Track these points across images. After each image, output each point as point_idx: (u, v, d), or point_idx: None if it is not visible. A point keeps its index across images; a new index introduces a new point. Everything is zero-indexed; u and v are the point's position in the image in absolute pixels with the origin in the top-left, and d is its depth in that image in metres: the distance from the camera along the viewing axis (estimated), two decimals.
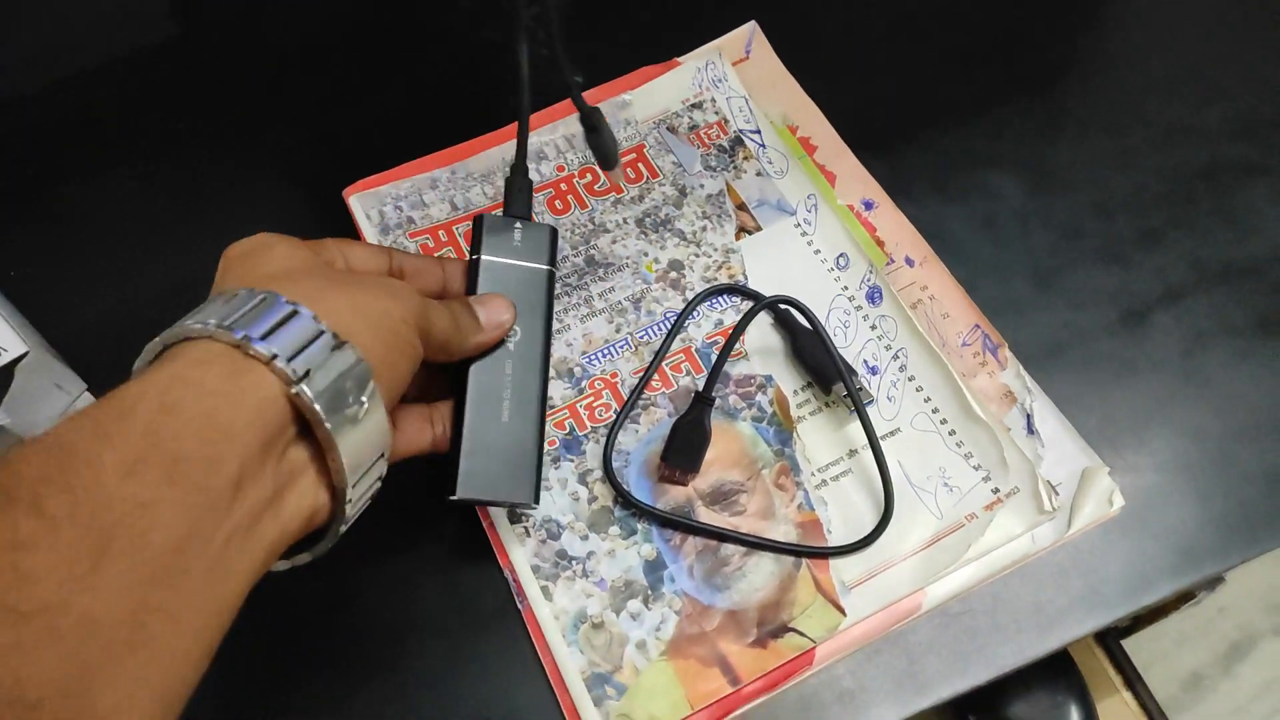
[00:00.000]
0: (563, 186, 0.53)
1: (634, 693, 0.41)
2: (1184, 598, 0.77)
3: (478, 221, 0.42)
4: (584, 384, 0.48)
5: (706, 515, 0.44)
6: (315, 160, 0.56)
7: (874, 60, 0.59)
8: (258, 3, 0.61)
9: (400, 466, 0.36)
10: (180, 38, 0.61)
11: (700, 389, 0.46)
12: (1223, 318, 0.50)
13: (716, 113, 0.56)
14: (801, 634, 0.42)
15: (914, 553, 0.44)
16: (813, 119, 0.56)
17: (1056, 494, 0.45)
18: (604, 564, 0.43)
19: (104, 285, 0.52)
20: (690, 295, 0.50)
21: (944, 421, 0.47)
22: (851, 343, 0.49)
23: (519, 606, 0.43)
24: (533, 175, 0.53)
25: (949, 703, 0.42)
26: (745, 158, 0.54)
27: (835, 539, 0.44)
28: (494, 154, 0.55)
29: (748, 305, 0.50)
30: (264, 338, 0.28)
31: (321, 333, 0.30)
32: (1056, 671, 0.78)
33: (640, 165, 0.54)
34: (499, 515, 0.44)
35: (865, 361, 0.48)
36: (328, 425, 0.29)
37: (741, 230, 0.52)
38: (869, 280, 0.50)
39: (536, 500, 0.41)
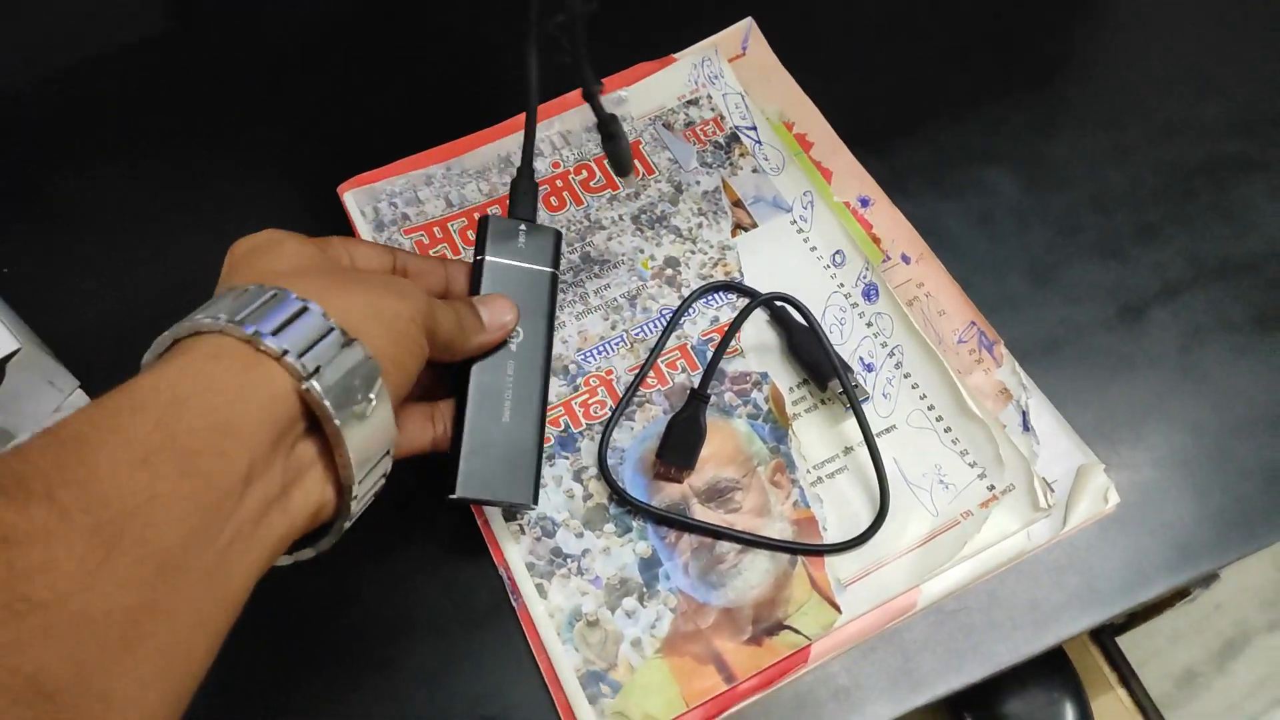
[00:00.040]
0: (559, 183, 0.53)
1: (629, 690, 0.41)
2: (1179, 595, 0.77)
3: (482, 222, 0.43)
4: (579, 381, 0.47)
5: (702, 512, 0.44)
6: (310, 156, 0.56)
7: (871, 57, 0.59)
8: None
9: (396, 465, 0.36)
10: (174, 33, 0.61)
11: (696, 386, 0.46)
12: (1220, 313, 0.50)
13: (713, 109, 0.56)
14: (797, 631, 0.42)
15: (909, 550, 0.43)
16: (809, 116, 0.56)
17: (1052, 491, 0.45)
18: (599, 561, 0.43)
19: (97, 282, 0.52)
20: (686, 292, 0.50)
21: (939, 418, 0.46)
22: (847, 340, 0.49)
23: (514, 604, 0.43)
24: None
25: (944, 700, 0.42)
26: (741, 154, 0.54)
27: (830, 536, 0.44)
28: (489, 150, 0.54)
29: (743, 302, 0.50)
30: (275, 333, 0.29)
31: (331, 330, 0.30)
32: (1051, 669, 0.78)
33: (635, 162, 0.54)
34: (494, 513, 0.44)
35: (861, 358, 0.48)
36: (336, 421, 0.29)
37: (737, 227, 0.52)
38: (865, 277, 0.50)
39: (535, 501, 0.41)
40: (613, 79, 0.56)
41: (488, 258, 0.42)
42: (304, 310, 0.30)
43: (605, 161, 0.54)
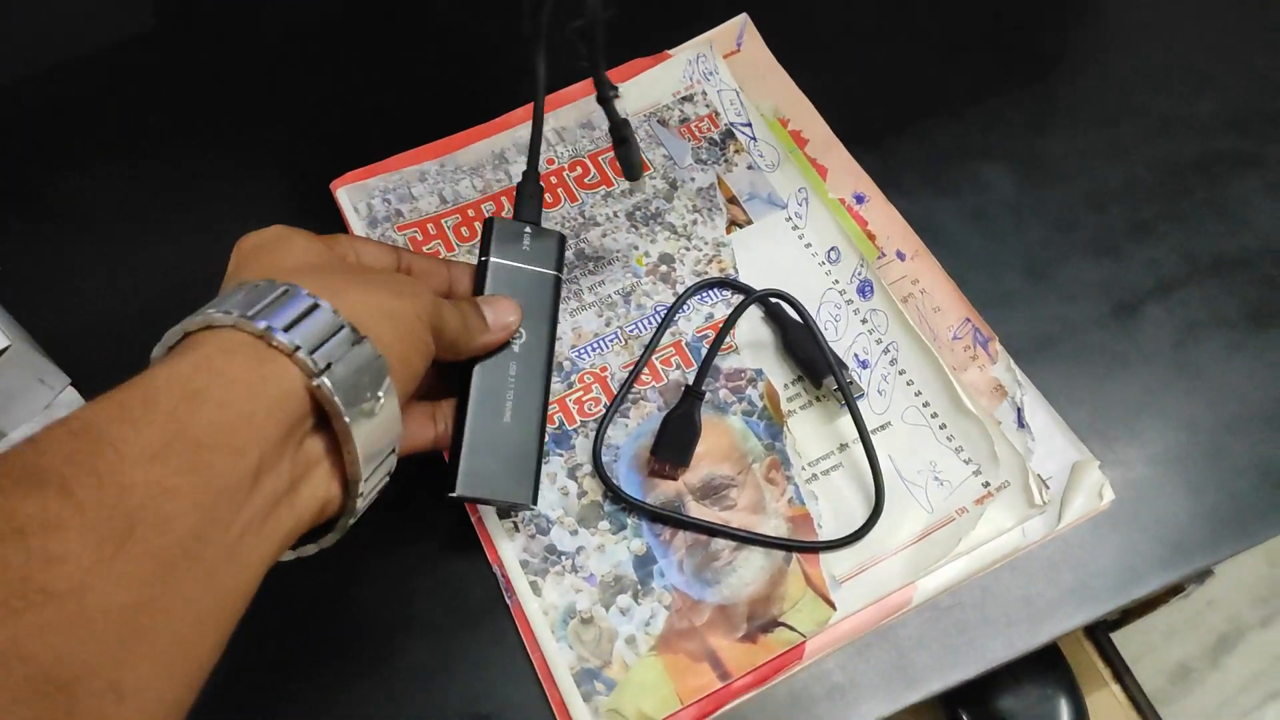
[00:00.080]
0: (553, 180, 0.53)
1: (623, 688, 0.40)
2: (1173, 591, 0.77)
3: (488, 224, 0.43)
4: (573, 378, 0.47)
5: (696, 510, 0.44)
6: (302, 153, 0.56)
7: (866, 53, 0.58)
8: None
9: None
10: (168, 32, 0.60)
11: (690, 383, 0.46)
12: (1215, 310, 0.50)
13: (707, 106, 0.56)
14: (791, 628, 0.42)
15: (904, 547, 0.43)
16: (804, 112, 0.55)
17: (1047, 488, 0.45)
18: (593, 559, 0.43)
19: (88, 280, 0.51)
20: (680, 289, 0.50)
21: (934, 415, 0.46)
22: (842, 336, 0.49)
23: (508, 602, 0.43)
24: (522, 167, 0.53)
25: (939, 697, 0.42)
26: (736, 151, 0.54)
27: (826, 533, 0.44)
28: (483, 146, 0.54)
29: (738, 299, 0.49)
30: (287, 329, 0.29)
31: (342, 327, 0.30)
32: (1046, 665, 0.79)
33: None
34: (488, 511, 0.44)
35: (856, 355, 0.48)
36: (346, 418, 0.30)
37: (732, 224, 0.52)
38: (860, 274, 0.50)
39: (535, 501, 0.41)
40: (607, 75, 0.56)
41: (492, 259, 0.42)
42: (315, 307, 0.30)
43: (617, 164, 0.53)
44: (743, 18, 0.58)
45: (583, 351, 0.48)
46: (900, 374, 0.48)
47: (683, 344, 0.48)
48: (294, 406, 0.29)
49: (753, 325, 0.49)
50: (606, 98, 0.41)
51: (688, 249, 0.51)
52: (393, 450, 0.33)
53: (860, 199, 0.53)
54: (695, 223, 0.52)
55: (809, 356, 0.46)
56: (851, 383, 0.46)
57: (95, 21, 0.60)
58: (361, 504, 0.32)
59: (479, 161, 0.54)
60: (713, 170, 0.53)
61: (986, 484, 0.45)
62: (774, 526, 0.44)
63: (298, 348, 0.29)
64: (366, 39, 0.60)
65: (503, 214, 0.52)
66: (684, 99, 0.56)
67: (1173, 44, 0.59)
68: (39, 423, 0.46)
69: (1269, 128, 0.56)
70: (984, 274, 0.51)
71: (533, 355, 0.42)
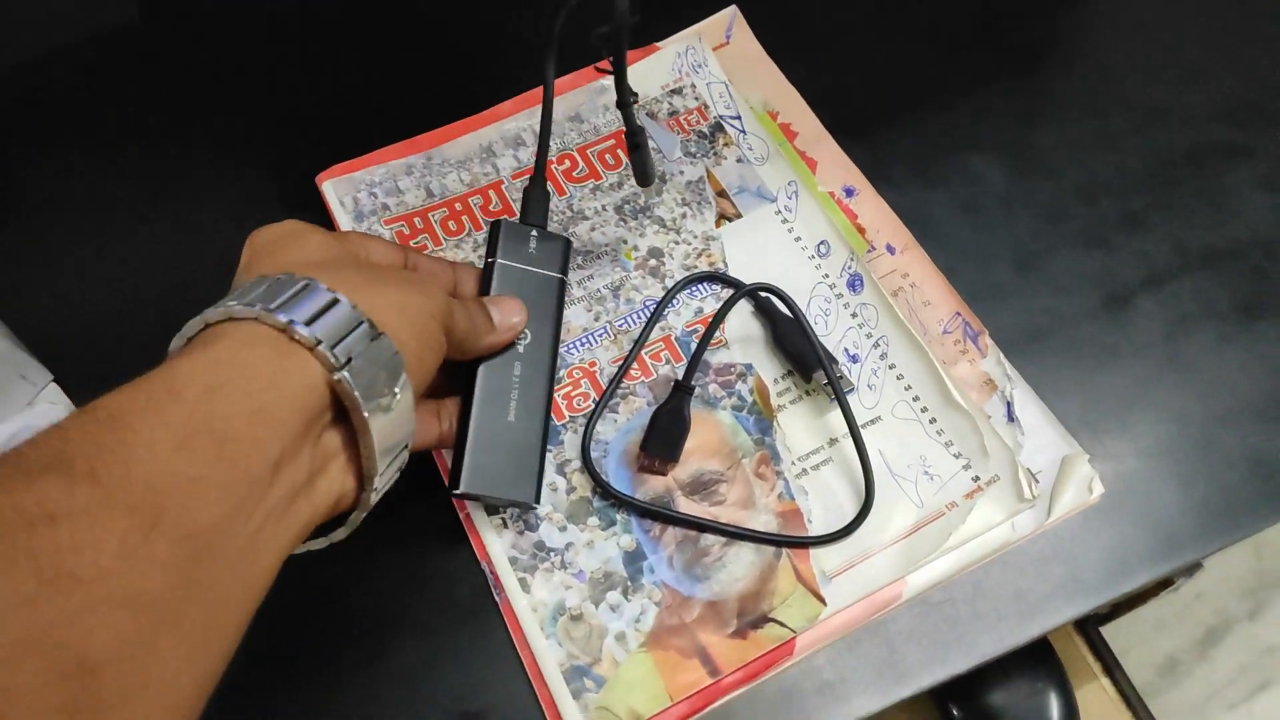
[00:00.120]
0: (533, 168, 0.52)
1: (613, 685, 0.40)
2: (1163, 584, 0.77)
3: (495, 225, 0.44)
4: (562, 373, 0.47)
5: (686, 505, 0.44)
6: (287, 146, 0.55)
7: (855, 45, 0.58)
8: None
9: None
10: (150, 23, 0.59)
11: (680, 378, 0.45)
12: (1205, 302, 0.50)
13: (696, 98, 0.55)
14: (782, 624, 0.41)
15: (894, 541, 0.43)
16: (793, 105, 0.55)
17: (1037, 482, 0.44)
18: (583, 555, 0.43)
19: (70, 274, 0.51)
20: (670, 283, 0.49)
21: (924, 409, 0.46)
22: (832, 331, 0.48)
23: (496, 599, 0.42)
24: (510, 160, 0.53)
25: (929, 692, 0.42)
26: (725, 144, 0.54)
27: (816, 528, 0.44)
28: (470, 140, 0.54)
29: (728, 293, 0.49)
30: (308, 324, 0.29)
31: (361, 322, 0.31)
32: (1036, 659, 0.79)
33: (619, 152, 0.53)
34: (476, 507, 0.44)
35: (846, 349, 0.48)
36: (365, 413, 0.30)
37: (722, 217, 0.52)
38: (850, 268, 0.50)
39: (538, 500, 0.42)
40: (595, 67, 0.56)
41: (499, 260, 0.43)
42: (335, 302, 0.31)
43: (605, 159, 0.53)
44: (732, 10, 0.58)
45: (571, 346, 0.48)
46: (890, 368, 0.47)
47: (672, 338, 0.48)
48: (314, 400, 0.29)
49: (742, 320, 0.49)
50: (627, 103, 0.42)
51: (677, 243, 0.51)
52: (405, 446, 0.34)
53: (850, 192, 0.52)
54: (684, 216, 0.51)
55: (799, 351, 0.46)
56: (841, 377, 0.46)
57: (77, 13, 0.59)
58: (374, 499, 0.33)
59: (466, 155, 0.53)
60: (702, 163, 0.53)
61: (976, 478, 0.45)
62: (764, 522, 0.44)
63: (319, 342, 0.29)
64: (352, 31, 0.59)
65: (490, 208, 0.51)
66: (673, 92, 0.55)
67: (1163, 35, 0.59)
68: (21, 419, 0.45)
69: (1259, 119, 0.56)
70: (974, 267, 0.51)
71: (537, 356, 0.43)
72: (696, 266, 0.50)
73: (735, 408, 0.46)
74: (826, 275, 0.50)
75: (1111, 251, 0.52)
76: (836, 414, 0.45)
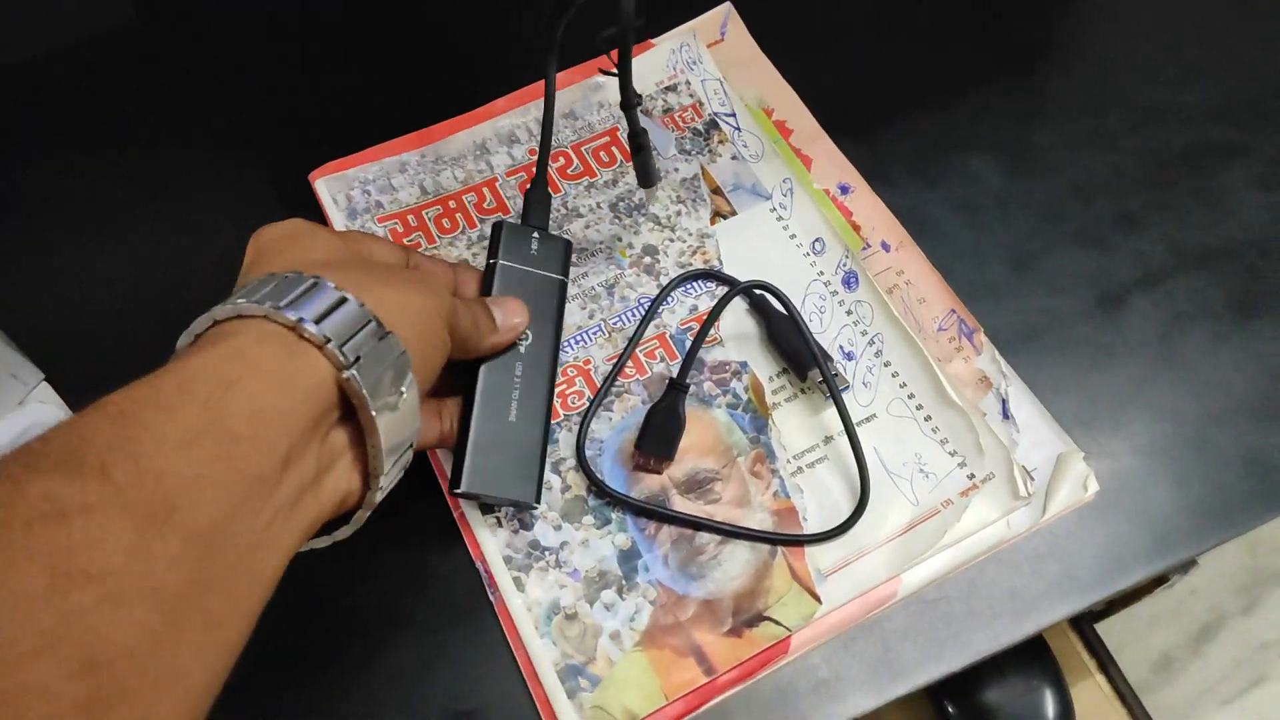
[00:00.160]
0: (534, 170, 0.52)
1: (608, 684, 0.40)
2: (1157, 581, 0.77)
3: (497, 227, 0.44)
4: (556, 371, 0.47)
5: (681, 504, 0.44)
6: (280, 144, 0.55)
7: (851, 43, 0.58)
8: None
9: None
10: (143, 22, 0.59)
11: (675, 376, 0.45)
12: (1201, 301, 0.50)
13: (691, 95, 0.55)
14: (777, 622, 0.41)
15: (890, 539, 0.43)
16: (789, 102, 0.55)
17: (1032, 479, 0.44)
18: (577, 554, 0.43)
19: (62, 273, 0.51)
20: (664, 280, 0.49)
21: (920, 407, 0.46)
22: (827, 328, 0.48)
23: (490, 598, 0.42)
24: (505, 158, 0.53)
25: (925, 689, 0.42)
26: (720, 141, 0.54)
27: (811, 526, 0.43)
28: (465, 137, 0.54)
29: (723, 291, 0.49)
30: (317, 322, 0.29)
31: (369, 321, 0.31)
32: (1031, 656, 0.79)
33: (614, 149, 0.53)
34: (470, 505, 0.44)
35: (841, 347, 0.48)
36: (372, 411, 0.30)
37: (716, 215, 0.51)
38: (845, 265, 0.50)
39: (539, 500, 0.42)
40: (589, 64, 0.56)
41: (500, 261, 0.43)
42: (343, 301, 0.31)
43: (600, 155, 0.53)
44: (726, 6, 0.58)
45: (566, 344, 0.47)
46: (885, 366, 0.47)
47: (667, 336, 0.48)
48: (322, 398, 0.29)
49: (737, 317, 0.49)
50: (631, 105, 0.42)
51: (672, 240, 0.51)
52: (410, 444, 0.34)
53: (845, 189, 0.52)
54: (679, 214, 0.51)
55: (794, 349, 0.46)
56: (836, 375, 0.46)
57: (76, 13, 0.59)
58: (379, 497, 0.33)
59: (460, 152, 0.53)
60: (697, 161, 0.53)
61: (971, 476, 0.44)
62: (759, 520, 0.44)
63: (328, 340, 0.29)
64: (346, 28, 0.59)
65: (484, 205, 0.51)
66: (667, 89, 0.55)
67: (1159, 34, 0.59)
68: (13, 419, 0.45)
69: (1255, 118, 0.56)
70: (969, 265, 0.51)
71: (538, 357, 0.43)
72: (691, 264, 0.50)
73: (730, 406, 0.46)
74: (821, 272, 0.50)
75: (1107, 250, 0.52)
76: (831, 412, 0.45)
